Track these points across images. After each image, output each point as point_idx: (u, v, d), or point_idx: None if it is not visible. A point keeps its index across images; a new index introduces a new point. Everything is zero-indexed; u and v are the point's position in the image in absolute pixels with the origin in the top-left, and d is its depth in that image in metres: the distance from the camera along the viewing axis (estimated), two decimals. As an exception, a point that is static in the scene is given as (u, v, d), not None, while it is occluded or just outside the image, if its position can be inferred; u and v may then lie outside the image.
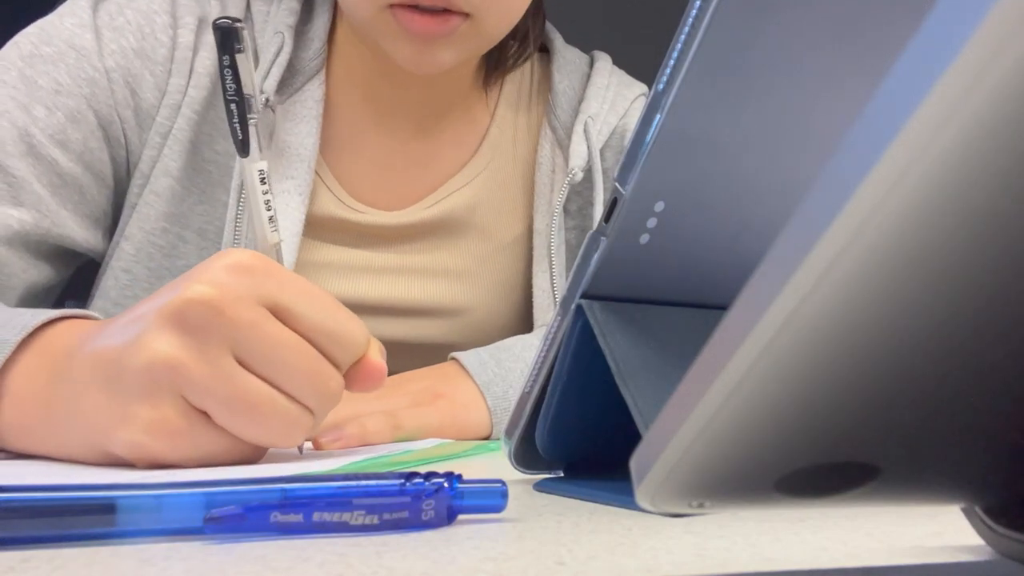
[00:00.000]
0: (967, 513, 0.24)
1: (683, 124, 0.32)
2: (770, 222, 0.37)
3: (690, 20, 0.31)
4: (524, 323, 0.80)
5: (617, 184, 0.34)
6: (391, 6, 0.62)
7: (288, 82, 0.71)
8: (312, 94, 0.72)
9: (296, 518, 0.28)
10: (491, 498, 0.31)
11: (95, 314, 0.48)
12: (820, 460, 0.19)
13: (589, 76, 0.80)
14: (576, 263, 0.36)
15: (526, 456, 0.40)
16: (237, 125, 0.48)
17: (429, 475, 0.29)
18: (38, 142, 0.65)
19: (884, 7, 0.33)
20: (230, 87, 0.48)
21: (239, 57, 0.47)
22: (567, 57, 0.81)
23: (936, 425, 0.19)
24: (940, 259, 0.15)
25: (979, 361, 0.18)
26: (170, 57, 0.69)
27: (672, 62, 0.32)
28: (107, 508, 0.27)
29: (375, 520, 0.28)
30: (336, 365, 0.43)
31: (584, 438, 0.39)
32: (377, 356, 0.45)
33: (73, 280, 0.73)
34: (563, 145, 0.77)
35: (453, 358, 0.64)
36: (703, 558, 0.26)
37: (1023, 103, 0.13)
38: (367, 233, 0.75)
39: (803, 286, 0.15)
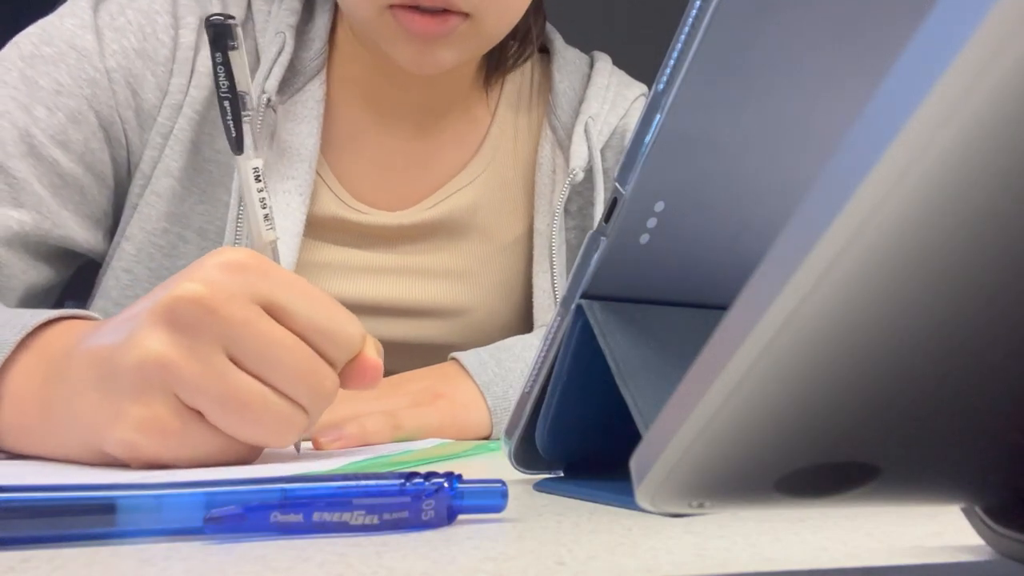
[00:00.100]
0: (967, 513, 0.24)
1: (683, 124, 0.32)
2: (770, 222, 0.37)
3: (690, 20, 0.31)
4: (524, 323, 0.80)
5: (617, 184, 0.34)
6: (391, 7, 0.62)
7: (289, 82, 0.71)
8: (313, 94, 0.72)
9: (296, 518, 0.28)
10: (491, 498, 0.31)
11: (94, 314, 0.48)
12: (820, 460, 0.19)
13: (589, 76, 0.80)
14: (576, 263, 0.36)
15: (526, 456, 0.40)
16: (231, 122, 0.48)
17: (429, 475, 0.29)
18: (39, 143, 0.65)
19: (884, 7, 0.33)
20: (223, 84, 0.48)
21: (232, 54, 0.47)
22: (567, 57, 0.81)
23: (936, 425, 0.19)
24: (940, 259, 0.15)
25: (979, 361, 0.18)
26: (171, 57, 0.69)
27: (672, 62, 0.32)
28: (107, 508, 0.27)
29: (375, 520, 0.28)
30: (331, 363, 0.43)
31: (584, 438, 0.39)
32: (373, 354, 0.44)
33: (73, 280, 0.73)
34: (563, 145, 0.77)
35: (453, 358, 0.64)
36: (703, 558, 0.26)
37: (1023, 103, 0.13)
38: (368, 233, 0.75)
39: (803, 286, 0.15)
